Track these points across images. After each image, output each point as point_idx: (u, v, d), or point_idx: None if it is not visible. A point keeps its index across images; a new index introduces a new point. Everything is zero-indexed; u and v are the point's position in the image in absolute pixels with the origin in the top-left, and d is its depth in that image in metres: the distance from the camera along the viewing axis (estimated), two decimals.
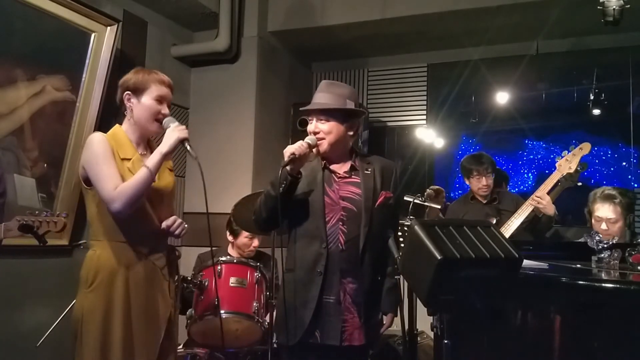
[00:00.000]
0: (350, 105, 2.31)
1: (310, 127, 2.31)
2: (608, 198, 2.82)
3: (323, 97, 2.31)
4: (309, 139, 2.26)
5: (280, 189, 2.14)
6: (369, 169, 2.33)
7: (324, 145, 2.28)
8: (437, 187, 4.01)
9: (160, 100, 2.16)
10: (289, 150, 2.16)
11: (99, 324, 2.00)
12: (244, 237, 3.40)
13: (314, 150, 2.27)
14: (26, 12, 3.06)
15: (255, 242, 3.42)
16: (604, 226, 2.82)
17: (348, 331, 2.20)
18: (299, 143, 2.21)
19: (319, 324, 2.19)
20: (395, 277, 2.27)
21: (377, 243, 2.23)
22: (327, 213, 2.24)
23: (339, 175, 2.32)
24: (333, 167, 2.34)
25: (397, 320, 2.22)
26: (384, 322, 2.37)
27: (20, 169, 3.17)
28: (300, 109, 2.40)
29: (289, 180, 2.16)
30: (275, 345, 2.89)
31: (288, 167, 2.15)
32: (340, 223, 2.24)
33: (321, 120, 2.29)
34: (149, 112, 2.15)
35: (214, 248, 3.56)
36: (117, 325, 2.02)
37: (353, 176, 2.32)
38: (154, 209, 2.15)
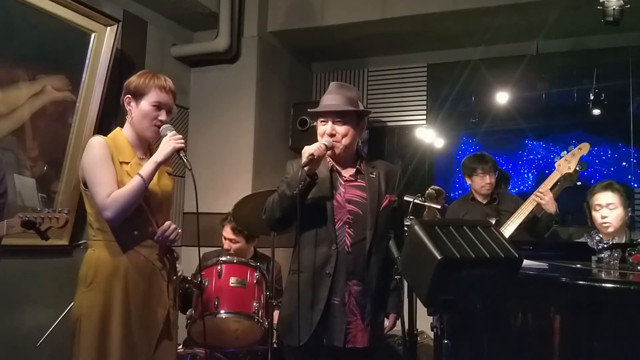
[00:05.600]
0: (361, 108, 2.34)
1: (327, 129, 2.27)
2: (608, 186, 2.89)
3: (337, 98, 2.29)
4: (325, 140, 2.24)
5: (296, 190, 2.12)
6: (374, 173, 2.34)
7: (339, 148, 2.27)
8: (438, 187, 4.02)
9: (158, 106, 2.14)
10: (308, 150, 2.14)
11: (97, 322, 2.00)
12: (225, 231, 3.38)
13: (329, 152, 2.26)
14: (26, 12, 3.06)
15: (227, 244, 3.37)
16: (604, 212, 2.83)
17: (352, 333, 2.21)
18: (317, 144, 2.20)
19: (325, 326, 2.19)
20: (396, 277, 2.27)
21: (382, 246, 2.24)
22: (334, 216, 2.24)
23: (345, 179, 2.32)
24: (339, 170, 2.34)
25: (398, 320, 2.22)
26: (387, 324, 2.37)
27: (20, 169, 3.17)
28: (319, 109, 2.32)
29: (307, 181, 2.15)
30: (275, 346, 2.90)
31: (306, 168, 2.13)
32: (347, 226, 2.24)
33: (338, 122, 2.27)
34: (145, 118, 2.14)
35: (216, 249, 3.58)
36: (116, 324, 2.02)
37: (359, 180, 2.33)
38: (152, 213, 2.15)
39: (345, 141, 2.27)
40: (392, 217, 2.32)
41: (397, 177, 2.40)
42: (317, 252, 2.23)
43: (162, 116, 2.15)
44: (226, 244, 3.37)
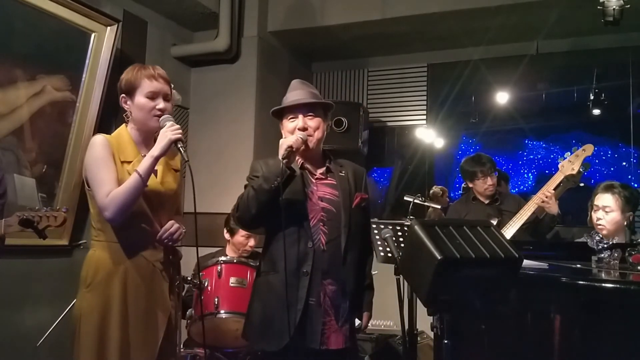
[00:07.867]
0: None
1: (299, 124, 2.24)
2: (608, 188, 2.87)
3: (302, 94, 2.28)
4: (301, 134, 2.21)
5: (275, 182, 2.08)
6: (343, 172, 2.32)
7: (312, 142, 2.24)
8: (441, 187, 4.01)
9: (152, 96, 2.10)
10: (286, 143, 2.11)
11: (96, 323, 1.99)
12: (240, 235, 3.38)
13: (302, 147, 2.21)
14: (26, 12, 3.06)
15: (252, 242, 3.39)
16: (599, 214, 2.82)
17: (326, 334, 2.16)
18: (294, 137, 2.18)
19: (302, 327, 2.13)
20: (396, 277, 2.26)
21: (356, 244, 2.24)
22: (309, 213, 2.20)
23: (315, 177, 2.29)
24: (310, 168, 2.30)
25: (397, 320, 2.21)
26: (360, 323, 2.36)
27: (20, 169, 3.17)
28: (288, 103, 2.29)
29: (287, 174, 2.11)
30: None
31: (284, 161, 2.09)
32: (321, 224, 2.20)
33: (309, 116, 2.25)
34: (144, 111, 2.10)
35: (216, 249, 3.57)
36: (114, 325, 2.01)
37: (329, 178, 2.30)
38: (154, 212, 2.11)
39: (317, 134, 2.25)
40: (362, 216, 2.31)
41: (364, 177, 2.39)
42: (293, 251, 2.16)
43: (160, 104, 2.10)
44: (247, 244, 3.37)
